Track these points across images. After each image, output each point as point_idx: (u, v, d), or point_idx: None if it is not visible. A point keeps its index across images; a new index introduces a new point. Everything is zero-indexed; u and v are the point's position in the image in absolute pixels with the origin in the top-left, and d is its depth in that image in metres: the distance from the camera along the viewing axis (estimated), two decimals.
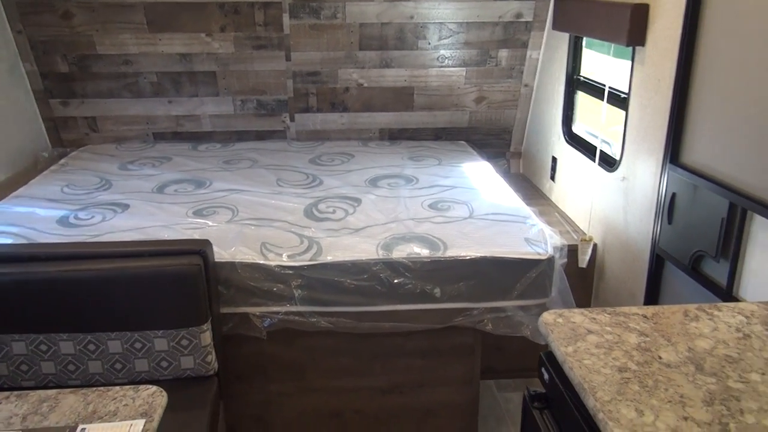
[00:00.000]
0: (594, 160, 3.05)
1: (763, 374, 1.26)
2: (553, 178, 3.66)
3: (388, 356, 2.61)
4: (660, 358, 1.32)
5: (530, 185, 3.99)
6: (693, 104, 2.27)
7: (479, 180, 3.31)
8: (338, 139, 4.09)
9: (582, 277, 3.05)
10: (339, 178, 3.32)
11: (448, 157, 3.72)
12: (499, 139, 4.20)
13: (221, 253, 2.42)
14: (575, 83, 3.41)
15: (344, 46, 3.76)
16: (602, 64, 3.18)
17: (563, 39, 3.44)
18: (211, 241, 2.38)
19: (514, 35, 3.76)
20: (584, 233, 3.09)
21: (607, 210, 2.93)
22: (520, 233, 2.63)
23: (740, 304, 1.54)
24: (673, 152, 2.35)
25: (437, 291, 2.45)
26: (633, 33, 2.51)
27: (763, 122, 1.91)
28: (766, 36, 1.90)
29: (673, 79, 2.32)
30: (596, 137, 3.18)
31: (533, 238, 2.59)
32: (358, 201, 2.98)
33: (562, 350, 1.36)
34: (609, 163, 2.94)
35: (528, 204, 3.49)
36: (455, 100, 4.00)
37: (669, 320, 1.47)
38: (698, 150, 2.25)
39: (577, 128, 3.47)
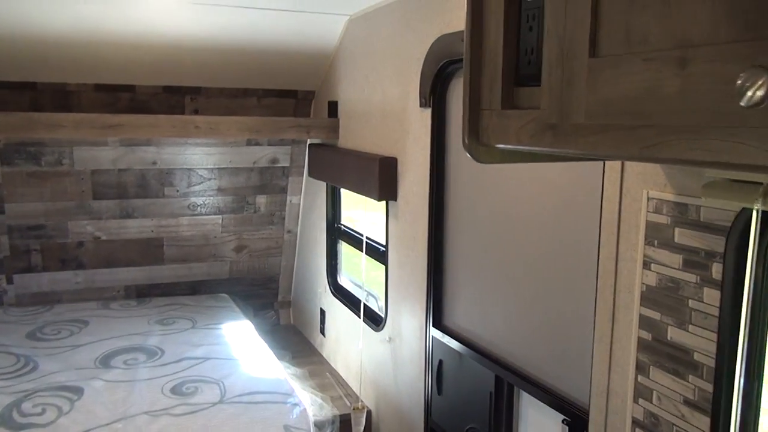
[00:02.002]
0: (360, 316, 2.80)
1: None
2: (323, 332, 3.36)
3: None
4: None
5: (301, 339, 3.64)
6: (448, 266, 2.12)
7: (237, 346, 2.88)
8: (73, 301, 3.43)
9: None
10: (61, 358, 2.68)
11: (205, 316, 3.26)
12: (266, 289, 3.84)
13: None
14: (336, 232, 3.21)
15: (74, 196, 3.22)
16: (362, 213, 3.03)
17: (322, 185, 3.27)
18: None
19: (272, 180, 3.53)
20: (357, 400, 2.77)
21: (377, 373, 2.66)
22: (279, 419, 2.23)
23: None
24: (435, 315, 2.16)
25: None
26: (384, 187, 2.36)
27: (515, 292, 1.78)
28: (502, 211, 1.80)
29: (426, 238, 2.16)
30: (364, 290, 2.96)
31: (294, 425, 2.20)
32: (79, 392, 2.37)
33: None
34: (375, 320, 2.70)
35: (298, 363, 3.15)
36: (212, 249, 3.60)
37: None
38: (459, 315, 2.07)
39: (343, 280, 3.24)
